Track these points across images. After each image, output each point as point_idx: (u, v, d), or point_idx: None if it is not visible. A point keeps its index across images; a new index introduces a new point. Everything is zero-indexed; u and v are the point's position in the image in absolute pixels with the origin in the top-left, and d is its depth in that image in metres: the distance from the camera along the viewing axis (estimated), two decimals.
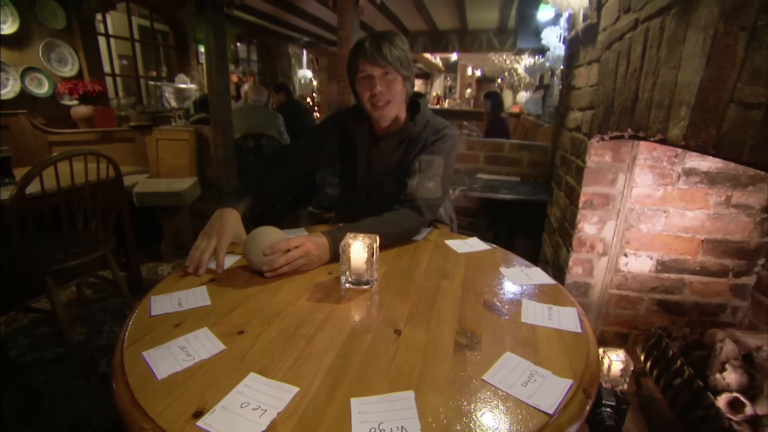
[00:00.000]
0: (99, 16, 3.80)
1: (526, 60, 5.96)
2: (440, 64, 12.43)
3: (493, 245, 1.16)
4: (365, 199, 1.31)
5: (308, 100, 8.13)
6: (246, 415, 0.52)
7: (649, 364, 1.34)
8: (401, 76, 1.15)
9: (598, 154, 1.43)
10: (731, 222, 1.37)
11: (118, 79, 4.62)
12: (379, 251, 0.87)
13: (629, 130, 1.10)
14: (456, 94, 13.43)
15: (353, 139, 1.28)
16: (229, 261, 0.99)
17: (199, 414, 0.52)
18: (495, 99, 3.92)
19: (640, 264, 1.47)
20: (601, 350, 1.19)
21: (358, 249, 0.85)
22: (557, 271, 1.68)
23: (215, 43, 2.65)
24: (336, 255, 0.91)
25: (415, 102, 1.24)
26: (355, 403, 0.55)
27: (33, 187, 1.57)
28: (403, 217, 1.11)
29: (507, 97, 11.46)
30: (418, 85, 15.87)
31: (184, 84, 4.57)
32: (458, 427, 0.52)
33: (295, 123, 3.87)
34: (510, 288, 0.91)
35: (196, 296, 0.82)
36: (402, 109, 1.22)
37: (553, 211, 1.93)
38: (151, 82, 4.53)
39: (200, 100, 3.51)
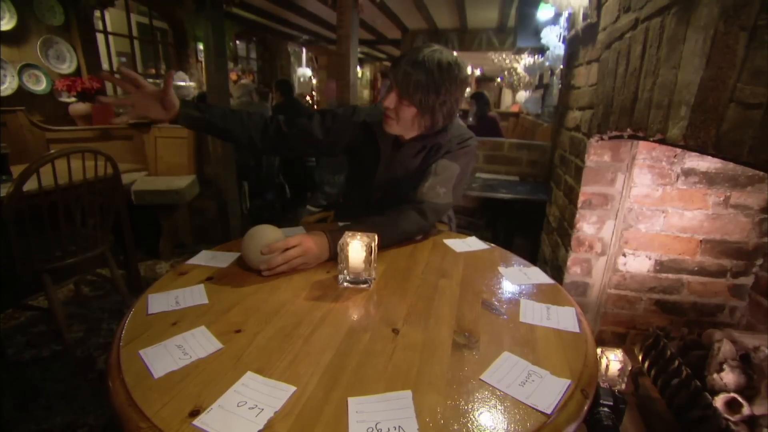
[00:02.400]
0: (97, 13, 3.78)
1: (526, 59, 5.96)
2: None
3: (492, 245, 1.16)
4: (376, 200, 1.27)
5: (307, 98, 8.11)
6: (243, 414, 0.52)
7: (647, 364, 1.34)
8: (415, 108, 1.08)
9: (597, 154, 1.43)
10: (730, 222, 1.37)
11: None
12: (378, 251, 0.87)
13: (628, 129, 1.09)
14: None
15: (375, 139, 1.23)
16: (227, 259, 0.98)
17: (195, 413, 0.52)
18: (481, 99, 3.95)
19: (638, 264, 1.47)
20: (599, 350, 1.19)
21: (356, 248, 0.85)
22: (556, 270, 1.68)
23: (214, 41, 2.63)
24: (335, 254, 0.91)
25: None
26: (353, 402, 0.55)
27: (30, 185, 1.57)
28: (406, 219, 1.10)
29: (506, 97, 11.46)
30: None
31: (183, 82, 4.56)
32: (456, 427, 0.52)
33: None
34: (508, 287, 0.91)
35: (194, 294, 0.82)
36: (412, 132, 1.16)
37: (551, 211, 1.93)
38: (150, 80, 4.51)
39: (198, 98, 3.50)
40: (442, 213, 1.19)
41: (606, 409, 1.08)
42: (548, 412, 0.54)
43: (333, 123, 1.24)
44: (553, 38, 3.33)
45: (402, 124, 1.12)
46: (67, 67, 3.09)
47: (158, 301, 0.79)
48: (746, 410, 0.98)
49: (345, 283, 0.87)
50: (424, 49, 1.05)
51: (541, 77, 6.44)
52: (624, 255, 1.48)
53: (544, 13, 3.32)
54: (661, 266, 1.46)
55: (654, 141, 0.96)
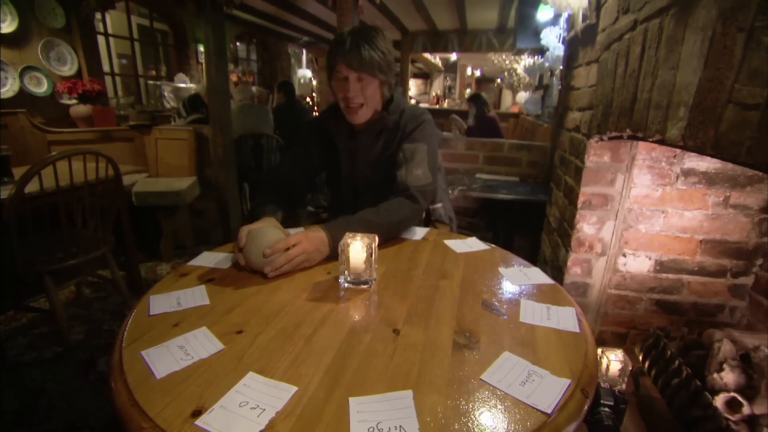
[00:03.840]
0: (98, 15, 3.79)
1: (526, 60, 5.97)
2: (440, 64, 12.43)
3: (492, 245, 1.16)
4: (353, 195, 1.31)
5: (308, 99, 8.12)
6: (244, 414, 0.52)
7: (647, 364, 1.34)
8: (378, 80, 1.13)
9: (596, 155, 1.43)
10: (729, 222, 1.38)
11: (118, 79, 4.61)
12: (379, 244, 0.87)
13: (628, 130, 1.10)
14: (455, 94, 13.44)
15: (331, 136, 1.28)
16: (228, 260, 0.99)
17: (197, 413, 0.52)
18: (479, 100, 3.99)
19: (638, 264, 1.48)
20: (599, 350, 1.19)
21: (357, 248, 0.85)
22: (556, 271, 1.68)
23: (215, 43, 2.64)
24: (335, 247, 0.91)
25: None
26: (354, 402, 0.55)
27: (32, 186, 1.57)
28: (399, 206, 1.12)
29: (506, 97, 11.47)
30: (418, 84, 15.88)
31: (184, 83, 4.57)
32: (456, 427, 0.52)
33: (295, 123, 3.86)
34: (509, 288, 0.91)
35: (195, 295, 0.82)
36: (378, 105, 1.20)
37: (552, 211, 1.94)
38: (151, 82, 4.52)
39: (189, 99, 3.49)
40: (429, 194, 1.21)
41: (606, 409, 1.08)
42: (548, 411, 0.55)
43: (306, 142, 1.31)
44: (552, 39, 3.34)
45: (371, 102, 1.16)
46: (68, 69, 3.09)
47: (160, 302, 0.79)
48: (746, 410, 0.98)
49: (346, 284, 0.88)
50: (347, 30, 1.12)
51: (540, 78, 6.45)
52: (624, 255, 1.48)
53: (543, 14, 3.33)
54: (661, 266, 1.46)
55: (653, 141, 0.97)
